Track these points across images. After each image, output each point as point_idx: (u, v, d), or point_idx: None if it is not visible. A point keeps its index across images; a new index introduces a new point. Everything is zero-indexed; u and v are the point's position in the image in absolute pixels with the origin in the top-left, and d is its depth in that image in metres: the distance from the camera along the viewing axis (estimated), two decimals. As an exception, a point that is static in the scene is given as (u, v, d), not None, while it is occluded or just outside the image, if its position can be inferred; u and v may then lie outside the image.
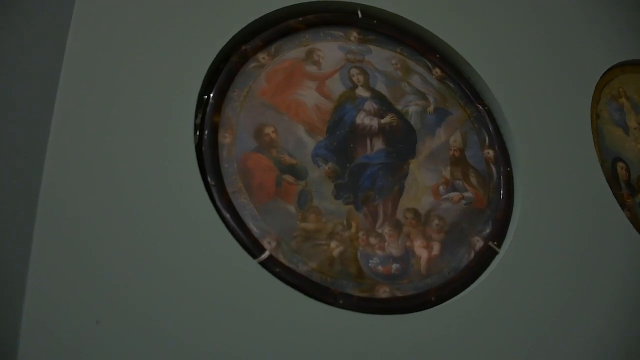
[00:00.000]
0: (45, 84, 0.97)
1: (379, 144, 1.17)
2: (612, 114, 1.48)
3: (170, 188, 0.95)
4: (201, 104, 1.06)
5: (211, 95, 1.08)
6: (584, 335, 1.14)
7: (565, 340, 1.11)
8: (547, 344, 1.10)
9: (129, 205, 0.92)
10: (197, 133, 1.03)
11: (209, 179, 1.00)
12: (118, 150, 0.95)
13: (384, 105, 1.22)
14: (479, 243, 1.16)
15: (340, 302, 1.00)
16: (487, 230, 1.19)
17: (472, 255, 1.15)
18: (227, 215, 0.99)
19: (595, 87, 1.46)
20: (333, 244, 1.04)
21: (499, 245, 1.17)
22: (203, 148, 1.03)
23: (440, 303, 1.07)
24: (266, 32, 1.18)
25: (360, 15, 1.29)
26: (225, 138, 1.06)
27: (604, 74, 1.49)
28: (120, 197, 0.92)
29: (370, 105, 1.21)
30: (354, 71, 1.23)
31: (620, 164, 1.41)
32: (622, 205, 1.34)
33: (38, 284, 0.82)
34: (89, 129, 0.94)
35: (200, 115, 1.05)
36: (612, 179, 1.37)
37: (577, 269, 1.20)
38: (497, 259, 1.15)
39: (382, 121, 1.20)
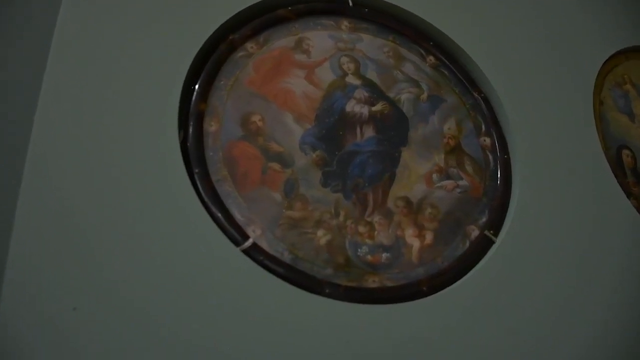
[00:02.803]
0: (31, 70, 0.98)
1: (369, 132, 1.15)
2: (616, 100, 1.43)
3: (153, 176, 0.94)
4: (187, 93, 1.05)
5: (197, 83, 1.07)
6: (584, 327, 1.08)
7: (564, 333, 1.06)
8: (545, 336, 1.05)
9: (112, 192, 0.90)
10: (182, 121, 1.02)
11: (192, 167, 1.00)
12: (102, 136, 0.94)
13: (375, 93, 1.20)
14: (474, 232, 1.13)
15: (327, 291, 0.97)
16: (483, 219, 1.15)
17: (467, 244, 1.11)
18: (210, 203, 0.97)
19: (599, 74, 1.41)
20: (320, 232, 1.02)
21: (496, 234, 1.13)
22: (188, 136, 1.02)
23: (433, 293, 1.03)
24: (255, 21, 1.17)
25: (351, 4, 1.27)
26: (210, 126, 1.04)
27: (607, 60, 1.44)
28: (103, 184, 0.90)
29: (360, 93, 1.18)
30: (344, 59, 1.21)
31: (625, 152, 1.36)
32: (628, 193, 1.28)
33: (16, 269, 0.81)
34: (74, 114, 0.94)
35: (185, 104, 1.04)
36: (617, 166, 1.32)
37: (579, 258, 1.15)
38: (494, 248, 1.11)
39: (373, 109, 1.18)
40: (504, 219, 1.16)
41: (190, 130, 1.02)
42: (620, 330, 1.12)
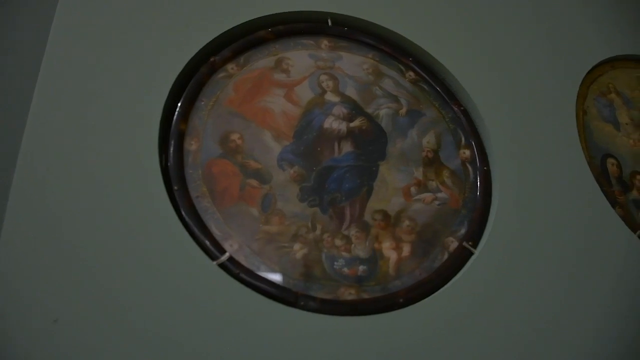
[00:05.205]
0: (22, 89, 1.04)
1: (347, 147, 1.17)
2: (600, 110, 1.42)
3: (134, 193, 0.98)
4: (168, 113, 1.10)
5: (178, 104, 1.11)
6: (566, 339, 1.07)
7: (545, 344, 1.05)
8: (525, 346, 1.04)
9: (94, 207, 0.95)
10: (163, 140, 1.06)
11: (172, 184, 1.03)
12: (86, 152, 0.99)
13: (354, 109, 1.22)
14: (453, 244, 1.13)
15: (302, 303, 0.99)
16: (462, 231, 1.15)
17: (446, 256, 1.12)
18: (189, 219, 1.00)
19: (582, 84, 1.41)
20: (297, 246, 1.04)
21: (475, 246, 1.14)
22: (168, 155, 1.06)
23: (409, 304, 1.04)
24: (236, 43, 1.22)
25: (330, 24, 1.31)
26: (191, 145, 1.08)
27: (591, 70, 1.44)
28: (86, 197, 0.95)
29: (339, 110, 1.21)
30: (323, 77, 1.24)
31: (610, 160, 1.35)
32: (613, 202, 1.27)
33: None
34: (60, 130, 0.99)
35: (167, 123, 1.09)
36: (602, 175, 1.31)
37: (560, 269, 1.14)
38: (472, 260, 1.12)
39: (351, 125, 1.20)
40: (484, 230, 1.16)
41: (171, 149, 1.06)
42: (612, 338, 1.10)
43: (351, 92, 1.25)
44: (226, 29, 1.20)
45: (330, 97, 1.22)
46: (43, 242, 0.90)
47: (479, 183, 1.22)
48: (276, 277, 1.00)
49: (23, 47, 1.16)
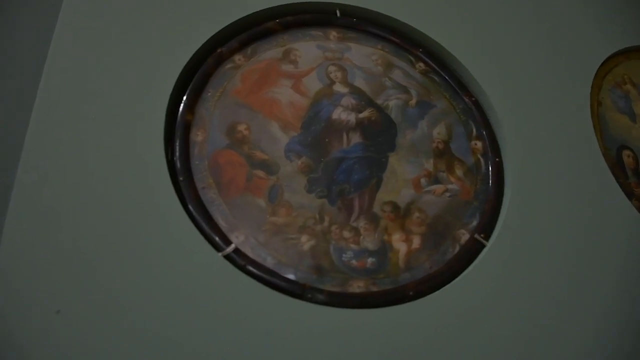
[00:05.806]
0: (28, 79, 1.03)
1: (356, 138, 1.15)
2: (615, 101, 1.39)
3: (139, 185, 0.97)
4: (174, 104, 1.08)
5: (185, 95, 1.10)
6: (578, 334, 1.04)
7: (556, 338, 1.02)
8: (537, 341, 1.01)
9: (98, 196, 0.94)
10: (169, 131, 1.05)
11: (177, 175, 1.02)
12: (91, 144, 0.98)
13: (363, 100, 1.20)
14: (464, 236, 1.11)
15: (309, 296, 0.97)
16: (474, 223, 1.13)
17: (457, 248, 1.09)
18: (194, 210, 0.99)
19: (597, 75, 1.38)
20: (304, 237, 1.02)
21: (487, 238, 1.11)
22: (174, 146, 1.04)
23: (419, 298, 1.01)
24: (243, 34, 1.20)
25: (339, 15, 1.29)
26: (197, 136, 1.07)
27: (606, 61, 1.41)
28: (91, 190, 0.94)
29: (348, 101, 1.19)
30: (331, 68, 1.23)
31: (626, 152, 1.32)
32: (630, 194, 1.24)
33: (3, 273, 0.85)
34: (65, 123, 0.98)
35: (173, 115, 1.07)
36: (617, 167, 1.28)
37: (575, 262, 1.11)
38: (485, 252, 1.09)
39: (360, 115, 1.18)
40: (496, 222, 1.13)
41: (177, 140, 1.05)
42: (616, 339, 1.07)
43: (360, 83, 1.23)
44: (233, 20, 1.19)
45: (338, 87, 1.21)
46: (48, 237, 0.89)
47: (490, 174, 1.19)
48: (283, 269, 0.98)
49: (25, 44, 1.16)
